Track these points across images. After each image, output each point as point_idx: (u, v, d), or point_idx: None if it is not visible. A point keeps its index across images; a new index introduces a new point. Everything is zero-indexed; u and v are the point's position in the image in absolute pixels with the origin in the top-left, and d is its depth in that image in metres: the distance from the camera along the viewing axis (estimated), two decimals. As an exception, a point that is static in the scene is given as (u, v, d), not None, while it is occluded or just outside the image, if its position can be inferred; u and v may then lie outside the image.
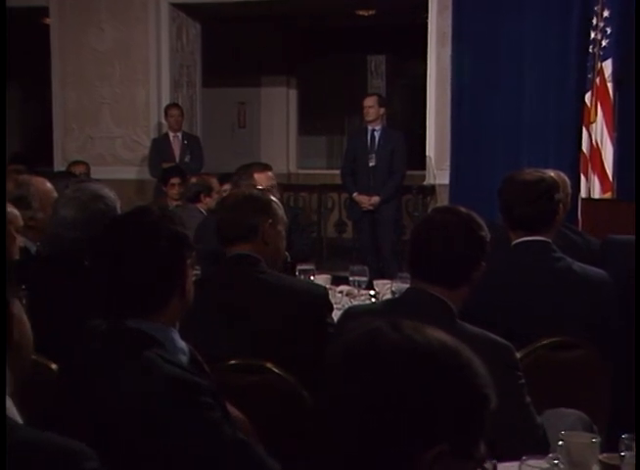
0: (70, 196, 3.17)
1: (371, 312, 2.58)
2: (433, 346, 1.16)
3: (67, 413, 1.93)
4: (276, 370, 2.62)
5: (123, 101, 9.10)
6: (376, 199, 7.37)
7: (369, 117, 7.48)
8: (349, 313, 2.65)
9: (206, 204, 5.86)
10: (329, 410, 1.16)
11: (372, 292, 4.23)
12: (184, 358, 2.02)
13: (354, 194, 7.49)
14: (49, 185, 3.61)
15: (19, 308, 1.58)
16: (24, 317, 1.60)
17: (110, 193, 3.22)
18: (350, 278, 4.24)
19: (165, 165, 7.97)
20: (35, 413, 1.68)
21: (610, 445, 2.16)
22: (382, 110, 7.55)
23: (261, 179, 4.77)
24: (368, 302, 4.02)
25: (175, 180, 6.92)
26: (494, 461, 1.90)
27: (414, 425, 1.11)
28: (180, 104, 8.90)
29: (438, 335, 1.19)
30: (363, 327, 1.20)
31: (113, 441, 1.83)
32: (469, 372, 1.17)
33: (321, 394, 1.19)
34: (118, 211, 3.17)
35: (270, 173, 4.93)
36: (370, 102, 7.53)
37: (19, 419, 1.53)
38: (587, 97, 6.71)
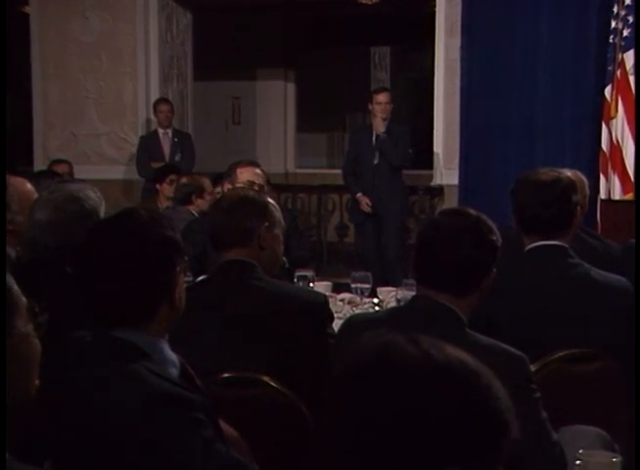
0: (46, 198, 3.17)
1: (374, 322, 2.58)
2: (452, 364, 1.16)
3: (47, 428, 1.93)
4: (273, 384, 2.62)
5: (109, 95, 9.10)
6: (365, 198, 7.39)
7: (384, 115, 7.44)
8: (351, 323, 2.65)
9: (198, 206, 5.86)
10: (335, 427, 1.15)
11: (375, 300, 4.23)
12: (174, 371, 2.02)
13: (358, 194, 7.49)
14: (29, 186, 3.60)
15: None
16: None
17: (92, 194, 3.22)
18: (352, 285, 4.24)
19: (154, 165, 7.98)
20: (16, 428, 1.68)
21: (631, 464, 2.16)
22: (391, 107, 7.56)
23: (243, 174, 4.76)
24: (371, 310, 4.02)
25: (173, 176, 6.95)
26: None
27: (427, 446, 1.11)
28: (170, 99, 8.91)
29: (458, 353, 1.19)
30: (376, 339, 1.19)
31: (96, 459, 1.83)
32: (489, 395, 1.17)
33: (326, 409, 1.19)
34: (101, 213, 3.17)
35: (257, 170, 4.91)
36: (386, 97, 7.50)
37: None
38: (607, 91, 6.72)
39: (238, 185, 4.56)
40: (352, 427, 1.14)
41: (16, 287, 1.59)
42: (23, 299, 1.60)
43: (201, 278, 4.03)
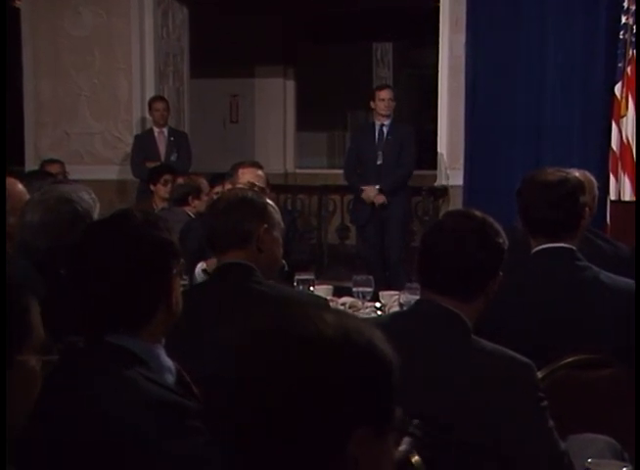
0: (38, 199, 3.18)
1: (377, 327, 2.58)
2: (338, 330, 1.21)
3: (39, 436, 1.93)
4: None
5: (103, 93, 9.11)
6: (382, 197, 7.39)
7: (387, 112, 7.50)
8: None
9: (195, 207, 5.87)
10: (237, 401, 1.19)
11: (377, 304, 4.24)
12: (170, 378, 2.03)
13: (363, 187, 7.49)
14: (20, 187, 3.61)
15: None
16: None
17: (85, 196, 3.22)
18: (354, 289, 4.24)
19: (150, 165, 7.98)
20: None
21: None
22: (394, 104, 7.59)
23: (245, 175, 4.78)
24: (373, 315, 4.02)
25: (168, 177, 6.96)
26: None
27: (329, 414, 1.16)
28: (166, 96, 8.91)
29: (338, 319, 1.24)
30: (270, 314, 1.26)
31: (92, 466, 1.84)
32: (365, 345, 1.23)
33: (223, 383, 1.22)
34: (94, 215, 3.18)
35: (260, 172, 4.93)
36: (389, 94, 7.56)
37: None
38: (617, 88, 6.72)
39: (238, 186, 4.57)
40: (251, 401, 1.18)
41: (36, 319, 1.61)
42: (42, 332, 1.62)
43: (199, 265, 4.05)
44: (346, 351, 1.19)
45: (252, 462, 1.18)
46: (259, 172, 4.92)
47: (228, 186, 4.89)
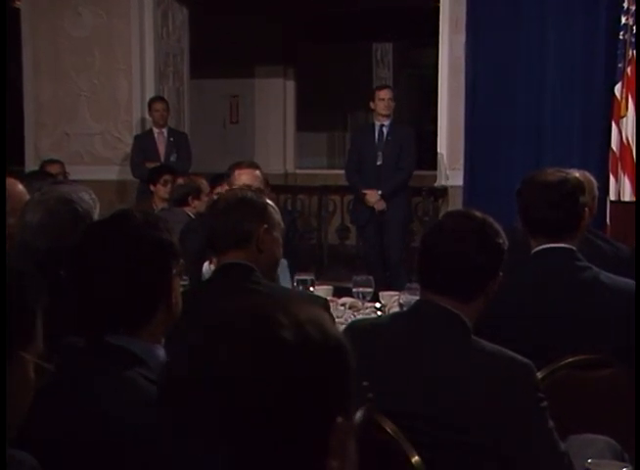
0: (37, 200, 3.17)
1: (377, 327, 2.59)
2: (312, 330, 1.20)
3: (38, 437, 1.93)
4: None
5: (103, 93, 9.11)
6: (383, 203, 7.40)
7: (387, 112, 7.51)
8: (353, 330, 2.65)
9: (195, 207, 5.87)
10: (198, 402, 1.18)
11: (378, 305, 4.24)
12: (170, 378, 2.03)
13: (364, 190, 7.49)
14: (20, 187, 3.61)
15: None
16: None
17: (85, 196, 3.22)
18: (354, 289, 4.25)
19: (149, 165, 7.98)
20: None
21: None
22: (393, 104, 7.59)
23: (241, 177, 4.75)
24: (373, 315, 4.02)
25: (167, 177, 6.97)
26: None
27: (305, 415, 1.15)
28: (166, 97, 8.91)
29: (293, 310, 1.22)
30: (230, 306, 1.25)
31: (91, 466, 1.84)
32: (321, 339, 1.19)
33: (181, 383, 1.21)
34: (94, 216, 3.18)
35: (257, 172, 4.89)
36: (388, 94, 7.57)
37: None
38: (617, 88, 6.72)
39: (234, 187, 4.56)
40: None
41: (39, 326, 1.62)
42: (41, 341, 1.62)
43: (206, 264, 4.04)
44: (307, 351, 1.17)
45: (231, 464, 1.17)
46: (257, 173, 4.89)
47: (226, 187, 4.88)
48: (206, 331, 1.24)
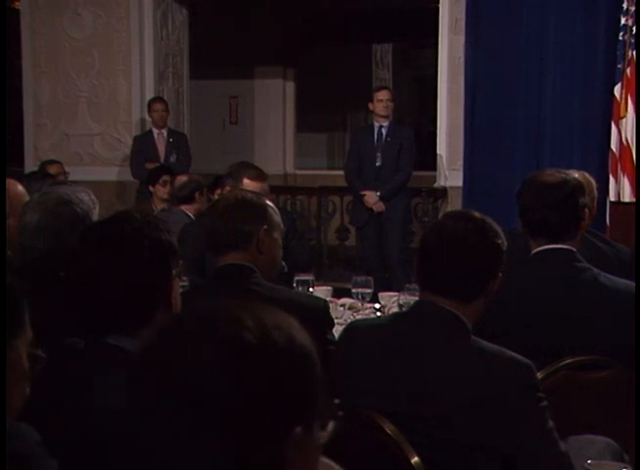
0: (36, 201, 3.17)
1: (376, 328, 2.59)
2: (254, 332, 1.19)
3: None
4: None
5: (102, 94, 9.11)
6: (382, 205, 7.41)
7: (385, 113, 7.51)
8: (352, 329, 2.65)
9: (200, 203, 5.90)
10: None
11: (377, 305, 4.24)
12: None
13: (363, 191, 7.49)
14: (21, 188, 3.61)
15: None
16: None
17: (84, 197, 3.22)
18: (353, 290, 4.25)
19: (149, 166, 7.98)
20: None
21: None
22: (392, 105, 7.60)
23: (249, 187, 4.65)
24: (373, 316, 4.02)
25: (166, 177, 6.98)
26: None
27: (261, 420, 1.14)
28: (165, 98, 8.91)
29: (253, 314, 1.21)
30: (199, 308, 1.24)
31: (93, 466, 1.84)
32: (286, 344, 1.19)
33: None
34: (93, 217, 3.17)
35: (265, 185, 4.75)
36: (387, 95, 7.59)
37: None
38: (617, 89, 6.72)
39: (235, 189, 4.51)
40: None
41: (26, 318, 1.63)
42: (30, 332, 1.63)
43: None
44: (269, 353, 1.17)
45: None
46: (265, 186, 4.80)
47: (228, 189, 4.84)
48: (174, 330, 1.23)
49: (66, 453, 1.86)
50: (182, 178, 6.25)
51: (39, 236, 3.08)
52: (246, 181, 4.73)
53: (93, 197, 3.27)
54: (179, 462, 1.16)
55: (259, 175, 4.80)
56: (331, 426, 1.23)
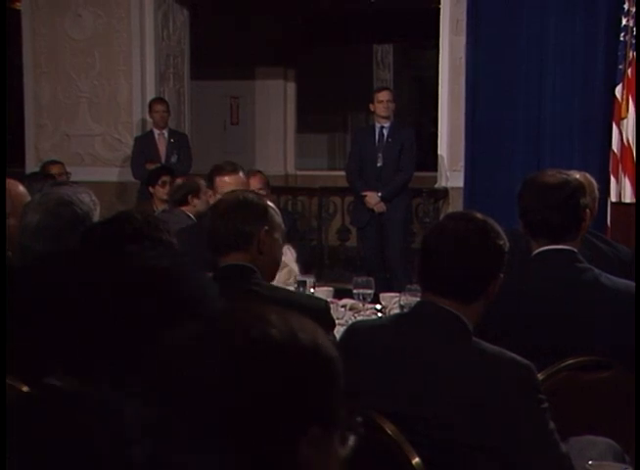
0: (37, 201, 3.17)
1: (377, 328, 2.59)
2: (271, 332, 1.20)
3: (36, 439, 1.93)
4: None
5: (103, 95, 9.11)
6: (383, 205, 7.41)
7: (386, 113, 7.51)
8: (353, 330, 2.65)
9: (195, 206, 5.88)
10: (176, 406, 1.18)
11: (378, 306, 4.24)
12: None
13: (364, 192, 7.49)
14: (22, 188, 3.61)
15: None
16: None
17: (85, 198, 3.22)
18: (354, 291, 4.25)
19: (150, 166, 7.99)
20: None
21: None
22: (393, 105, 7.60)
23: (225, 185, 4.54)
24: (374, 317, 4.03)
25: (166, 178, 6.98)
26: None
27: (278, 415, 1.16)
28: (166, 98, 8.91)
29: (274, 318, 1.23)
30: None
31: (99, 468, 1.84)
32: (311, 345, 1.22)
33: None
34: (95, 217, 3.17)
35: (240, 174, 4.71)
36: (387, 96, 7.59)
37: None
38: (618, 90, 6.72)
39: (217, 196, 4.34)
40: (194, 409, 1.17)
41: None
42: None
43: None
44: (293, 351, 1.19)
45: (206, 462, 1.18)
46: (240, 176, 4.70)
47: (210, 195, 4.71)
48: (202, 328, 1.24)
49: (65, 453, 1.86)
50: (178, 181, 6.26)
51: (39, 237, 3.08)
52: (220, 180, 4.65)
53: (94, 198, 3.26)
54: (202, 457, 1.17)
55: (231, 169, 4.71)
56: (352, 440, 1.24)
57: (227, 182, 4.60)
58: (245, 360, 1.16)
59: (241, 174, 4.73)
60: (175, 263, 1.65)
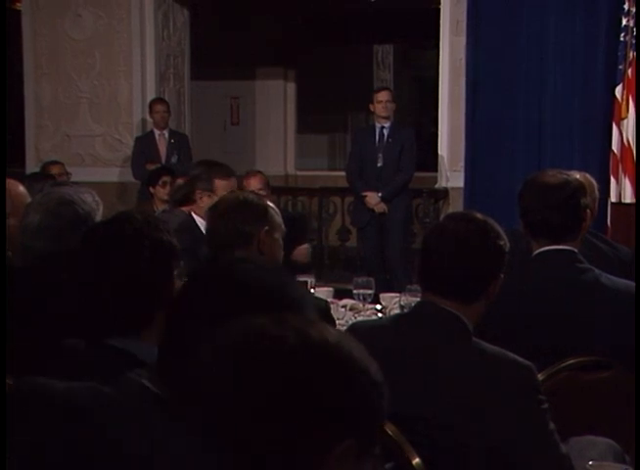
0: (38, 201, 3.17)
1: (378, 329, 2.59)
2: (320, 341, 1.22)
3: (36, 440, 1.93)
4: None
5: (104, 95, 9.11)
6: (383, 206, 7.41)
7: (385, 114, 7.52)
8: (353, 330, 2.65)
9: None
10: (215, 417, 1.18)
11: (378, 306, 4.24)
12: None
13: (364, 192, 7.49)
14: (22, 188, 3.61)
15: None
16: None
17: (87, 198, 3.21)
18: (354, 291, 4.24)
19: (150, 167, 7.98)
20: None
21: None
22: (393, 105, 7.60)
23: (219, 190, 4.54)
24: (374, 317, 4.02)
25: (166, 178, 6.98)
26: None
27: (309, 425, 1.16)
28: (166, 99, 8.91)
29: (320, 329, 1.23)
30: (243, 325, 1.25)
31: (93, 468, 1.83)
32: (355, 364, 1.25)
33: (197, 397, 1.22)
34: (97, 217, 3.17)
35: (233, 180, 4.73)
36: (386, 96, 7.59)
37: None
38: (618, 90, 6.73)
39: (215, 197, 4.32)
40: (231, 416, 1.17)
41: None
42: None
43: None
44: (329, 363, 1.19)
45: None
46: (234, 180, 4.72)
47: (207, 196, 4.70)
48: (221, 344, 1.24)
49: (64, 453, 1.86)
50: (180, 181, 6.25)
51: (40, 236, 3.07)
52: (218, 182, 4.64)
53: (97, 198, 3.26)
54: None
55: (229, 172, 4.74)
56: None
57: (226, 185, 4.60)
58: (279, 371, 1.16)
59: (233, 182, 4.75)
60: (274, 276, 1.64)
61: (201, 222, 4.43)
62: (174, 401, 1.27)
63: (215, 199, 4.37)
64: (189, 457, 1.78)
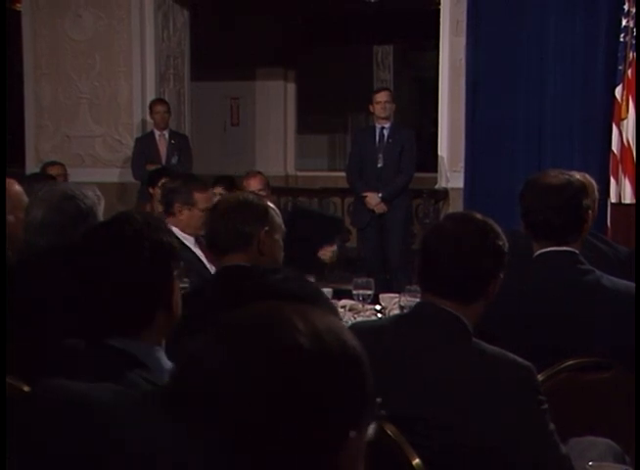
0: (40, 197, 3.17)
1: (377, 329, 2.58)
2: (320, 341, 1.21)
3: (36, 440, 1.93)
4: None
5: (104, 96, 9.11)
6: (383, 206, 7.41)
7: (384, 114, 7.52)
8: (354, 331, 2.63)
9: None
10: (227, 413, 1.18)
11: (378, 307, 4.23)
12: (170, 380, 2.02)
13: (365, 193, 7.49)
14: (17, 186, 3.60)
15: None
16: None
17: (89, 193, 3.21)
18: (354, 291, 4.24)
19: (150, 167, 7.98)
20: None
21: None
22: (393, 106, 7.60)
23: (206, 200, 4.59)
24: (374, 318, 4.02)
25: (166, 179, 6.98)
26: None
27: (309, 425, 1.16)
28: (167, 99, 8.91)
29: (318, 322, 1.23)
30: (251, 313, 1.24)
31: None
32: (352, 360, 1.24)
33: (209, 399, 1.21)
34: (98, 212, 3.17)
35: (211, 192, 4.80)
36: (385, 97, 7.59)
37: None
38: (617, 91, 6.73)
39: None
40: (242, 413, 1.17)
41: None
42: None
43: None
44: (321, 358, 1.18)
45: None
46: (211, 192, 4.82)
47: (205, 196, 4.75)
48: (222, 332, 1.23)
49: (64, 454, 1.85)
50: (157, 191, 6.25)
51: (44, 232, 3.07)
52: (198, 195, 4.65)
53: (98, 193, 3.26)
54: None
55: (205, 184, 4.83)
56: (372, 427, 1.24)
57: (206, 197, 4.65)
58: (273, 370, 1.16)
59: (210, 193, 4.84)
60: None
61: (182, 236, 4.40)
62: (175, 401, 1.26)
63: (196, 212, 4.46)
64: (190, 457, 1.78)
